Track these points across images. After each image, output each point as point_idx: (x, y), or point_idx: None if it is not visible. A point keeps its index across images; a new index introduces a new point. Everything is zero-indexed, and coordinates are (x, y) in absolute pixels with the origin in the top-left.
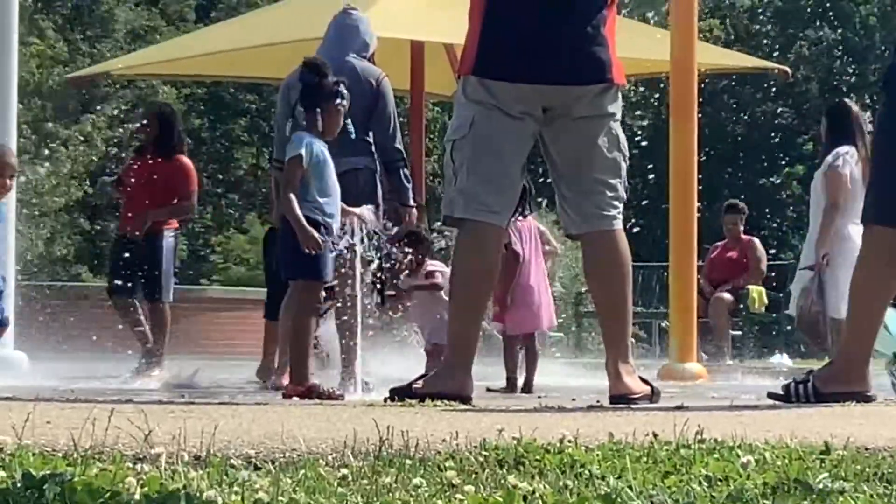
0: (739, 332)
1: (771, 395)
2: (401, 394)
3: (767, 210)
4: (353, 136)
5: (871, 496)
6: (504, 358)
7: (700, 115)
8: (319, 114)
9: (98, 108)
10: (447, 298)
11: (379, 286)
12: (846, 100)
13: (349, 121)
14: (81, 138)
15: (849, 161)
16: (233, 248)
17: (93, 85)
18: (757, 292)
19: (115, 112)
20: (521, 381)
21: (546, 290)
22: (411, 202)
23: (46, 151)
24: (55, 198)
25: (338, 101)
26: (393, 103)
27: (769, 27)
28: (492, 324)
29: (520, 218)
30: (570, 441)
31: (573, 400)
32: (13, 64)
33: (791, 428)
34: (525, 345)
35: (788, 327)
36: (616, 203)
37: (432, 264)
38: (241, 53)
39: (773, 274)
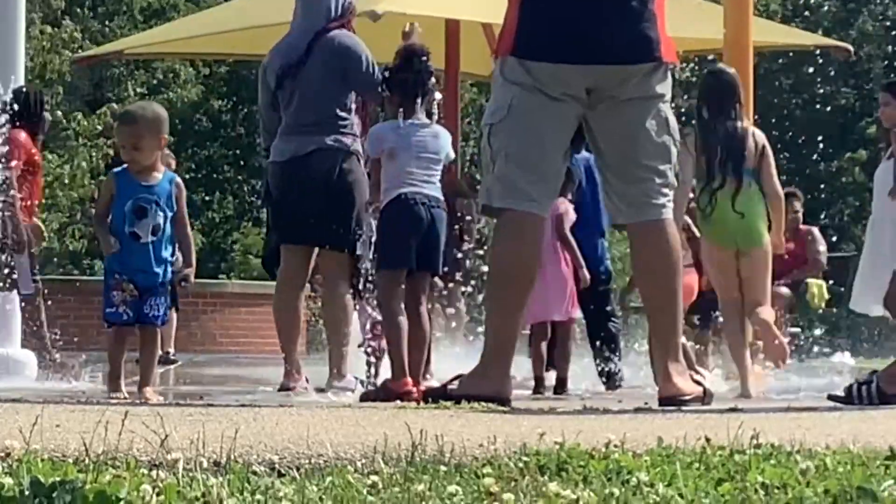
0: (798, 329)
1: (832, 398)
2: (435, 395)
3: (827, 198)
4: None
5: None
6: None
7: (755, 97)
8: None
9: (111, 93)
10: None
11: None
12: None
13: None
14: (99, 128)
15: None
16: (253, 243)
17: (101, 65)
18: (817, 287)
19: (129, 95)
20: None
21: (558, 277)
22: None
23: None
24: (69, 192)
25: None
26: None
27: (829, 2)
28: None
29: None
30: (616, 446)
31: (619, 401)
32: (20, 48)
33: (853, 432)
34: (561, 338)
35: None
36: (665, 191)
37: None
38: (265, 30)
39: (834, 267)
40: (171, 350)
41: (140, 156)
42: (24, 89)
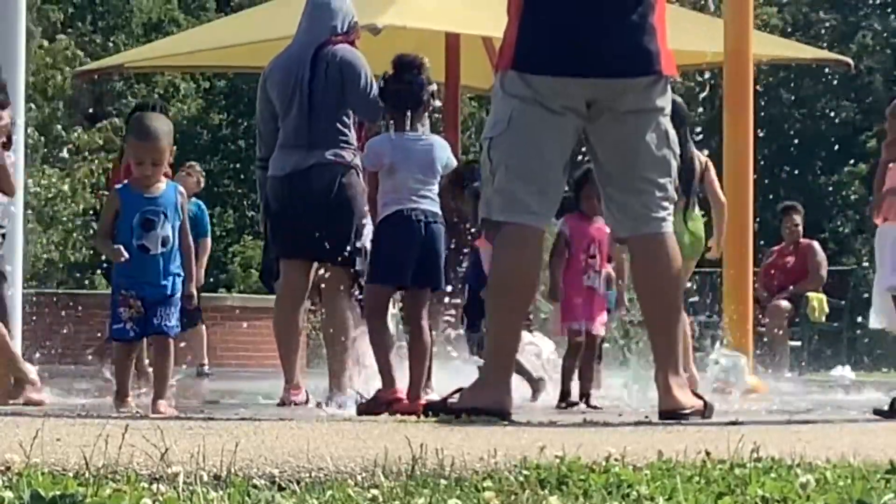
0: (798, 343)
1: (877, 413)
2: (435, 408)
3: (828, 212)
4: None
5: None
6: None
7: (755, 110)
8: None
9: (111, 107)
10: None
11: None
12: None
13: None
14: (100, 142)
15: None
16: (254, 256)
17: (102, 79)
18: (817, 300)
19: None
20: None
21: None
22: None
23: (59, 154)
24: (71, 205)
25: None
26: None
27: (829, 16)
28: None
29: None
30: (616, 459)
31: (620, 415)
32: (21, 61)
33: (854, 445)
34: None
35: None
36: (665, 204)
37: None
38: (264, 45)
39: (834, 280)
40: (206, 363)
41: (159, 171)
42: (149, 103)
